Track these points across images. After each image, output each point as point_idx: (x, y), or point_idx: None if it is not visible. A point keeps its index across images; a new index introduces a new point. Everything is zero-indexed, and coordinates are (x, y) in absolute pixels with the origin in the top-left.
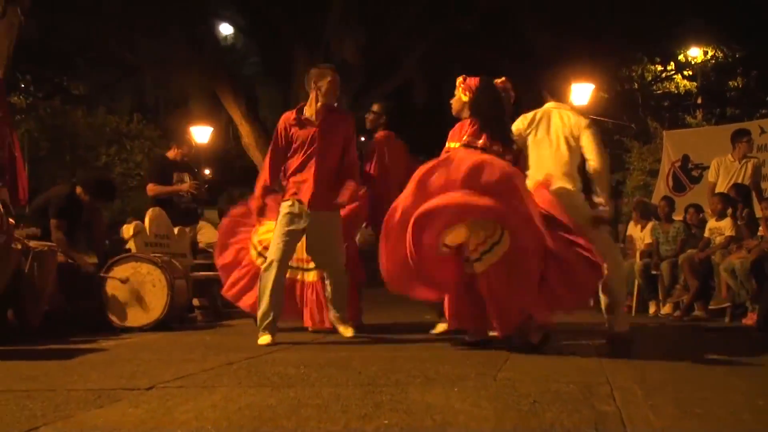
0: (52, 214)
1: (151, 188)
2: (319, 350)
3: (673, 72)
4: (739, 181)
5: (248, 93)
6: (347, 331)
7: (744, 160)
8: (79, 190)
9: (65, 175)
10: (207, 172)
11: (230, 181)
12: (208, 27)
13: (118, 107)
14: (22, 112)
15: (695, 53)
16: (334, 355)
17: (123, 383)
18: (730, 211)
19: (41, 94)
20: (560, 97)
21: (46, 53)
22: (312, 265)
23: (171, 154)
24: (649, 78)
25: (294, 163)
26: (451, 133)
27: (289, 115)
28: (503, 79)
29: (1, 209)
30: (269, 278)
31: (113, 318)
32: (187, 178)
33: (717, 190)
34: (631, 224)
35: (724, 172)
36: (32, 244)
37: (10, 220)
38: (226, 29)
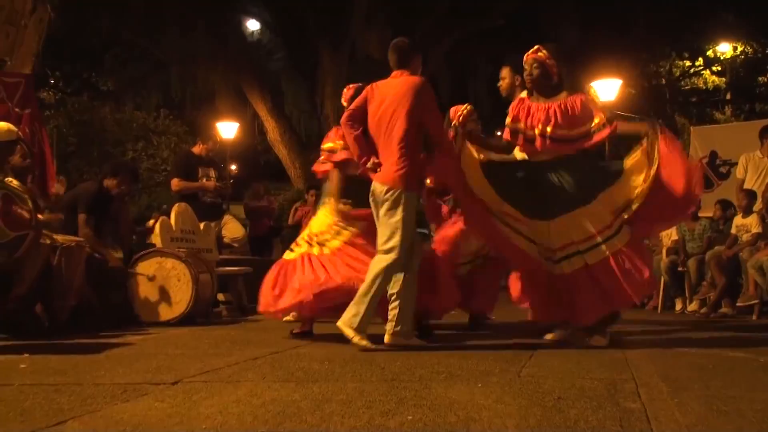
0: (80, 209)
1: (176, 183)
2: (343, 346)
3: (702, 67)
4: None
5: (274, 89)
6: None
7: None
8: (105, 182)
9: (93, 171)
10: (233, 167)
11: (256, 176)
12: (234, 23)
13: (145, 103)
14: (50, 107)
15: (724, 48)
16: (358, 351)
17: (149, 378)
18: (757, 207)
19: (70, 89)
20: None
21: (75, 49)
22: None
23: (196, 149)
24: (677, 73)
25: None
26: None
27: None
28: None
29: (31, 205)
30: None
31: (139, 313)
32: (212, 173)
33: (745, 186)
34: None
35: (752, 168)
36: (60, 239)
37: (39, 216)
38: (252, 25)
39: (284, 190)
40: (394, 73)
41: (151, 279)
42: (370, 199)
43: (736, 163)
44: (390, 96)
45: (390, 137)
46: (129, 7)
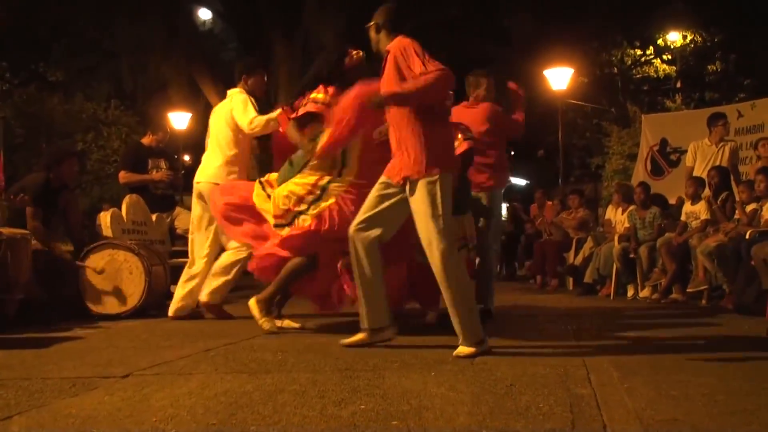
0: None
1: (123, 176)
2: (298, 336)
3: (653, 56)
4: (717, 164)
5: (227, 78)
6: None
7: (721, 144)
8: (50, 173)
9: (41, 163)
10: (186, 158)
11: None
12: (186, 12)
13: (96, 93)
14: None
15: (674, 38)
16: (312, 341)
17: (99, 371)
18: (705, 194)
19: (17, 80)
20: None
21: (23, 40)
22: None
23: (146, 140)
24: (629, 62)
25: None
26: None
27: None
28: None
29: None
30: None
31: (90, 306)
32: (162, 164)
33: (695, 174)
34: (610, 207)
35: (701, 155)
36: (5, 231)
37: None
38: (204, 14)
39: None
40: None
41: (100, 273)
42: None
43: (686, 151)
44: None
45: None
46: None
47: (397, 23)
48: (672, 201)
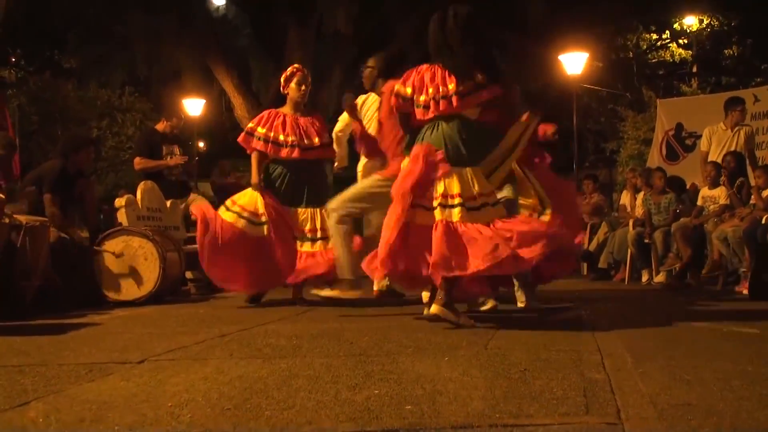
0: (45, 189)
1: (138, 162)
2: (312, 321)
3: (669, 40)
4: (732, 149)
5: (240, 65)
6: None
7: (736, 129)
8: (66, 159)
9: (57, 150)
10: (201, 144)
11: (223, 153)
12: None
13: (110, 81)
14: (12, 86)
15: (690, 21)
16: (326, 327)
17: (114, 357)
18: (723, 179)
19: (32, 68)
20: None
21: (37, 28)
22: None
23: (160, 127)
24: (644, 47)
25: None
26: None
27: None
28: None
29: None
30: None
31: (106, 292)
32: (176, 150)
33: (710, 159)
34: (625, 193)
35: (716, 140)
36: (24, 219)
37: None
38: (217, 0)
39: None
40: None
41: (119, 256)
42: None
43: (702, 136)
44: None
45: None
46: None
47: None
48: (687, 186)
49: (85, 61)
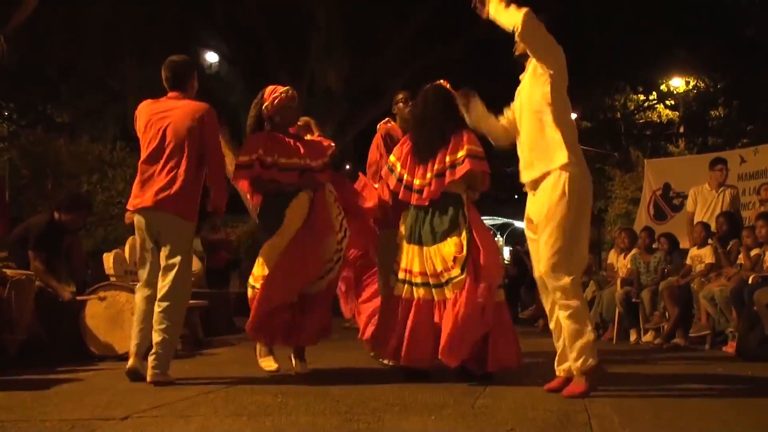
0: (30, 244)
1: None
2: (298, 379)
3: (656, 101)
4: (718, 209)
5: (232, 120)
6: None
7: (721, 189)
8: (56, 215)
9: (46, 204)
10: None
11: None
12: (192, 54)
13: (102, 135)
14: (3, 140)
15: (677, 83)
16: (313, 384)
17: (98, 413)
18: (711, 241)
19: (24, 122)
20: None
21: (30, 80)
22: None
23: None
24: (632, 107)
25: None
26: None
27: None
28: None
29: None
30: None
31: (91, 347)
32: None
33: (696, 219)
34: (612, 252)
35: (701, 201)
36: (10, 273)
37: None
38: (211, 57)
39: (242, 222)
40: None
41: (102, 299)
42: None
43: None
44: None
45: None
46: (86, 37)
47: None
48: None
49: (78, 114)
